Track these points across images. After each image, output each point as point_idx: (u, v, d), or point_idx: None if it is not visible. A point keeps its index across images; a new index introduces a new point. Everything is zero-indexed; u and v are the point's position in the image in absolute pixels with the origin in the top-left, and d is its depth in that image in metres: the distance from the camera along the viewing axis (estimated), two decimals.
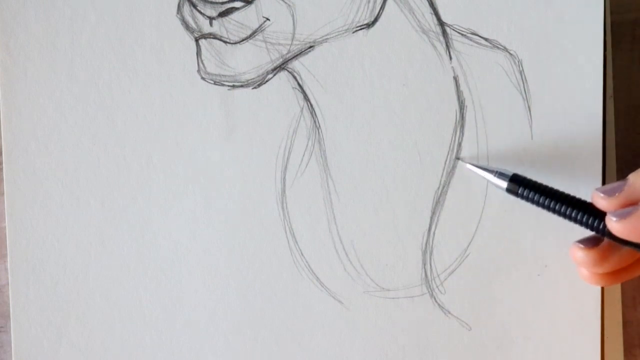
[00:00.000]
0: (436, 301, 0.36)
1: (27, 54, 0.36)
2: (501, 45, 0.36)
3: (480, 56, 0.36)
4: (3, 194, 0.36)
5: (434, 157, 0.36)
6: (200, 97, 0.36)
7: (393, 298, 0.36)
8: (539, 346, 0.36)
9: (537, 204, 0.32)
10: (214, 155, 0.36)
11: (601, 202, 0.29)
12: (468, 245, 0.36)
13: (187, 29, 0.36)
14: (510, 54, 0.36)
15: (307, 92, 0.36)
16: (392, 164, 0.36)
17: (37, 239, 0.36)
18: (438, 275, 0.36)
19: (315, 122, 0.36)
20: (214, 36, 0.36)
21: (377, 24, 0.36)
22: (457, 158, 0.35)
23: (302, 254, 0.36)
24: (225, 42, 0.36)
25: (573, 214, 0.30)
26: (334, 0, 0.36)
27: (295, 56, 0.36)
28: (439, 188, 0.36)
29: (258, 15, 0.36)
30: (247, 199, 0.36)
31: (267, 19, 0.36)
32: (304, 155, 0.36)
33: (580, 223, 0.30)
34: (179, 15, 0.36)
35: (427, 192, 0.36)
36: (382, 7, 0.36)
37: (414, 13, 0.36)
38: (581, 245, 0.31)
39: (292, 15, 0.36)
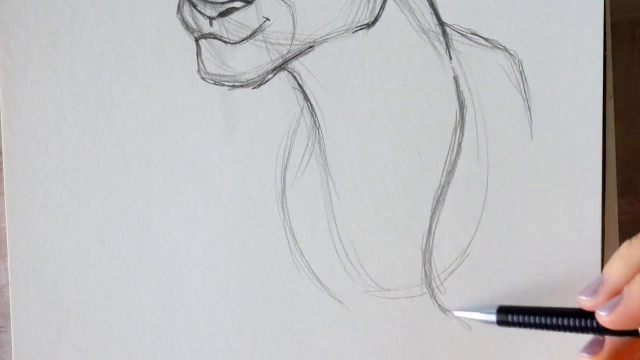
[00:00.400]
0: (436, 301, 0.36)
1: (27, 54, 0.36)
2: (501, 45, 0.36)
3: (480, 56, 0.36)
4: (3, 194, 0.36)
5: (434, 157, 0.36)
6: (200, 97, 0.36)
7: (393, 298, 0.36)
8: (539, 346, 0.36)
9: (530, 326, 0.32)
10: (214, 155, 0.36)
11: (587, 304, 0.30)
12: (468, 245, 0.36)
13: (187, 29, 0.36)
14: (510, 54, 0.36)
15: (307, 92, 0.36)
16: (392, 164, 0.36)
17: (37, 239, 0.36)
18: (438, 275, 0.36)
19: (315, 122, 0.36)
20: (214, 36, 0.36)
21: (377, 24, 0.36)
22: (447, 310, 0.36)
23: (302, 254, 0.36)
24: (225, 42, 0.36)
25: (565, 324, 0.31)
26: (334, 0, 0.36)
27: (295, 56, 0.36)
28: (439, 188, 0.36)
29: (258, 15, 0.36)
30: (247, 199, 0.36)
31: (267, 19, 0.36)
32: (304, 155, 0.36)
33: (576, 330, 0.31)
34: (179, 15, 0.36)
35: (427, 192, 0.36)
36: (382, 7, 0.36)
37: (414, 13, 0.36)
38: (586, 355, 0.32)
39: (292, 15, 0.36)
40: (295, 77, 0.36)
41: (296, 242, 0.36)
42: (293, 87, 0.36)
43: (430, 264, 0.36)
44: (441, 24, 0.36)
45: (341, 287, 0.36)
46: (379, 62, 0.36)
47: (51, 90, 0.36)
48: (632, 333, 0.30)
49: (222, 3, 0.36)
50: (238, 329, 0.36)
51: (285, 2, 0.36)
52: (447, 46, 0.36)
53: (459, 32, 0.36)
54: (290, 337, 0.36)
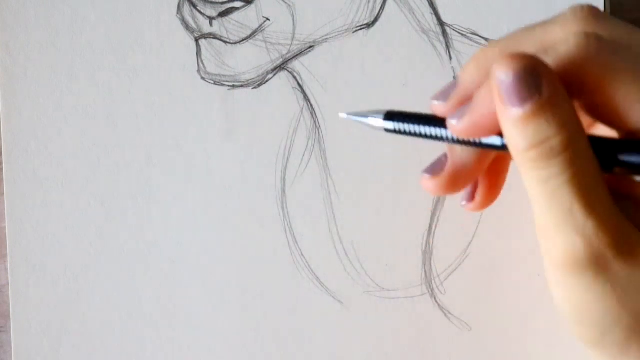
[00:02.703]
0: (436, 301, 0.36)
1: (27, 54, 0.36)
2: None
3: None
4: (3, 194, 0.36)
5: (434, 157, 0.36)
6: (200, 97, 0.36)
7: (393, 298, 0.36)
8: (539, 346, 0.36)
9: (414, 135, 0.30)
10: (214, 155, 0.36)
11: (440, 109, 0.28)
12: (468, 245, 0.36)
13: (187, 29, 0.36)
14: None
15: (307, 92, 0.36)
16: (392, 164, 0.36)
17: (37, 239, 0.36)
18: (438, 275, 0.36)
19: (315, 122, 0.36)
20: (214, 36, 0.36)
21: (377, 24, 0.36)
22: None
23: (302, 254, 0.36)
24: (225, 42, 0.36)
25: (430, 133, 0.29)
26: (334, 0, 0.36)
27: (295, 56, 0.36)
28: None
29: (258, 15, 0.36)
30: (247, 199, 0.36)
31: (267, 19, 0.36)
32: (304, 155, 0.36)
33: (439, 139, 0.29)
34: (179, 15, 0.36)
35: (427, 192, 0.36)
36: (382, 7, 0.36)
37: (414, 13, 0.36)
38: (428, 175, 0.30)
39: (292, 15, 0.36)
40: (295, 77, 0.36)
41: (296, 242, 0.36)
42: (293, 87, 0.36)
43: (430, 264, 0.36)
44: (441, 24, 0.36)
45: (341, 287, 0.36)
46: (379, 62, 0.36)
47: (51, 90, 0.36)
48: (479, 144, 0.28)
49: (222, 3, 0.36)
50: (238, 329, 0.36)
51: (285, 2, 0.36)
52: (447, 46, 0.36)
53: (459, 32, 0.36)
54: (290, 337, 0.36)
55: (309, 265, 0.36)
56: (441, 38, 0.36)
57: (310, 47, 0.36)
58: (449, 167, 0.30)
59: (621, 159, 0.25)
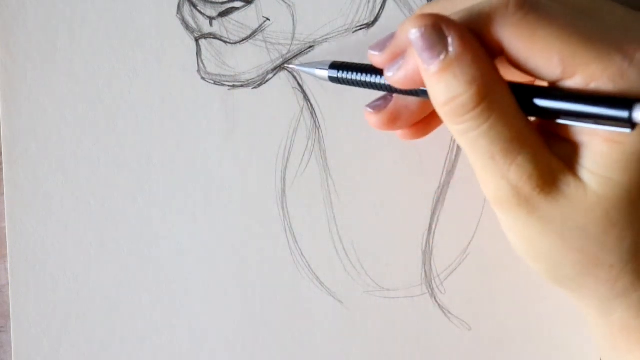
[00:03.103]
0: (436, 301, 0.36)
1: (27, 54, 0.36)
2: None
3: None
4: (3, 194, 0.36)
5: (434, 157, 0.36)
6: (200, 97, 0.36)
7: (393, 298, 0.36)
8: (539, 346, 0.36)
9: (356, 84, 0.32)
10: (214, 155, 0.36)
11: (376, 59, 0.29)
12: (468, 245, 0.36)
13: (187, 29, 0.36)
14: None
15: (307, 92, 0.36)
16: (392, 164, 0.36)
17: (37, 239, 0.36)
18: (438, 275, 0.36)
19: (315, 122, 0.36)
20: (214, 36, 0.36)
21: (377, 24, 0.36)
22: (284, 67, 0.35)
23: (302, 254, 0.36)
24: (225, 42, 0.36)
25: (369, 81, 0.31)
26: (334, 0, 0.36)
27: (295, 56, 0.36)
28: (438, 188, 0.36)
29: (258, 15, 0.36)
30: (247, 199, 0.36)
31: (267, 19, 0.36)
32: (304, 155, 0.36)
33: (378, 88, 0.31)
34: (179, 15, 0.36)
35: (427, 192, 0.36)
36: (382, 7, 0.36)
37: (414, 13, 0.36)
38: (370, 110, 0.32)
39: (292, 15, 0.36)
40: (295, 77, 0.36)
41: (296, 242, 0.36)
42: (293, 87, 0.36)
43: (430, 264, 0.36)
44: None
45: (341, 287, 0.36)
46: None
47: (51, 90, 0.36)
48: (414, 93, 0.29)
49: (222, 3, 0.36)
50: (238, 329, 0.36)
51: (285, 2, 0.36)
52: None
53: None
54: (290, 337, 0.36)
55: (309, 265, 0.36)
56: None
57: (310, 47, 0.36)
58: (391, 105, 0.32)
59: (538, 104, 0.26)
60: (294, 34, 0.36)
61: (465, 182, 0.36)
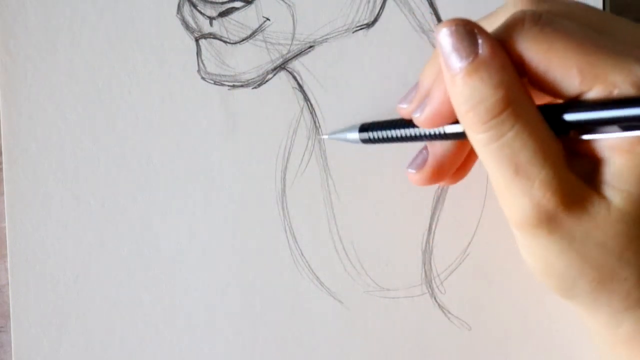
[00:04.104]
0: (436, 301, 0.36)
1: (27, 54, 0.36)
2: None
3: None
4: (3, 194, 0.36)
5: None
6: (200, 97, 0.36)
7: (393, 298, 0.36)
8: (539, 346, 0.36)
9: (388, 141, 0.32)
10: (214, 155, 0.36)
11: (405, 110, 0.30)
12: (468, 245, 0.36)
13: (187, 29, 0.36)
14: None
15: (307, 92, 0.36)
16: (392, 164, 0.36)
17: (37, 239, 0.36)
18: (438, 275, 0.36)
19: (315, 122, 0.36)
20: (214, 36, 0.36)
21: (377, 24, 0.36)
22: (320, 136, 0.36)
23: (302, 254, 0.36)
24: (225, 42, 0.36)
25: (401, 135, 0.31)
26: (334, 0, 0.36)
27: (295, 56, 0.36)
28: (439, 188, 0.36)
29: (258, 15, 0.36)
30: (247, 199, 0.36)
31: (267, 19, 0.36)
32: (304, 155, 0.36)
33: (411, 140, 0.31)
34: (179, 15, 0.36)
35: (427, 192, 0.36)
36: (382, 7, 0.36)
37: (413, 13, 0.36)
38: (412, 170, 0.32)
39: (292, 15, 0.36)
40: (295, 77, 0.36)
41: (296, 242, 0.36)
42: (293, 87, 0.36)
43: (430, 264, 0.36)
44: None
45: (341, 287, 0.36)
46: (379, 62, 0.36)
47: (51, 90, 0.36)
48: (444, 137, 0.30)
49: (222, 3, 0.36)
50: (238, 329, 0.36)
51: (285, 2, 0.36)
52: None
53: None
54: (290, 337, 0.36)
55: (309, 265, 0.36)
56: None
57: (310, 47, 0.36)
58: (430, 160, 0.32)
59: (567, 119, 0.25)
60: (294, 34, 0.36)
61: (465, 182, 0.36)
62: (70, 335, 0.36)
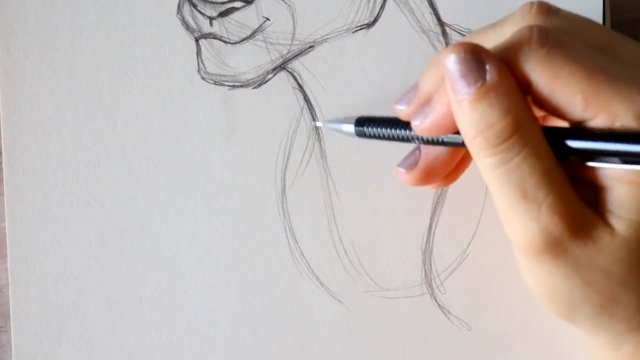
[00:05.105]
0: (436, 301, 0.36)
1: (27, 54, 0.36)
2: None
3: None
4: (3, 194, 0.36)
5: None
6: (200, 97, 0.36)
7: (393, 298, 0.36)
8: (539, 346, 0.36)
9: (383, 138, 0.32)
10: (214, 155, 0.36)
11: (403, 113, 0.30)
12: (468, 245, 0.36)
13: (187, 29, 0.36)
14: None
15: (307, 92, 0.36)
16: (392, 164, 0.36)
17: (37, 239, 0.36)
18: (438, 275, 0.36)
19: (315, 122, 0.36)
20: (214, 36, 0.36)
21: (377, 24, 0.36)
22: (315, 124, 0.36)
23: (302, 254, 0.36)
24: (225, 42, 0.36)
25: (397, 135, 0.31)
26: (334, 0, 0.36)
27: (295, 56, 0.36)
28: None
29: (258, 15, 0.36)
30: (247, 199, 0.36)
31: (267, 19, 0.36)
32: (304, 155, 0.36)
33: (405, 140, 0.31)
34: (179, 15, 0.36)
35: (427, 192, 0.36)
36: (382, 7, 0.36)
37: (413, 13, 0.36)
38: (403, 169, 0.32)
39: (292, 15, 0.36)
40: (295, 77, 0.36)
41: (296, 242, 0.36)
42: (293, 87, 0.36)
43: (430, 264, 0.36)
44: (441, 24, 0.36)
45: (341, 287, 0.36)
46: (379, 62, 0.36)
47: (51, 90, 0.36)
48: (443, 143, 0.29)
49: (222, 3, 0.36)
50: (238, 329, 0.36)
51: (285, 2, 0.36)
52: (447, 46, 0.36)
53: (458, 32, 0.36)
54: (290, 337, 0.36)
55: (309, 265, 0.36)
56: (441, 38, 0.36)
57: (310, 47, 0.36)
58: (422, 162, 0.31)
59: (569, 145, 0.25)
60: (294, 34, 0.36)
61: (465, 182, 0.36)
62: (70, 335, 0.36)
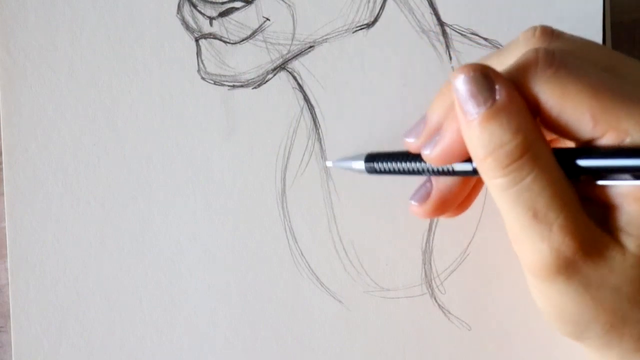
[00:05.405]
0: (436, 301, 0.36)
1: (27, 54, 0.36)
2: (500, 45, 0.36)
3: (479, 56, 0.36)
4: (3, 194, 0.36)
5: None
6: (200, 97, 0.36)
7: (393, 298, 0.36)
8: (539, 346, 0.36)
9: (393, 173, 0.32)
10: (214, 155, 0.36)
11: (413, 145, 0.30)
12: (468, 245, 0.36)
13: (187, 29, 0.36)
14: None
15: (307, 92, 0.36)
16: None
17: (37, 239, 0.36)
18: (438, 275, 0.36)
19: (315, 122, 0.36)
20: (214, 36, 0.36)
21: (377, 24, 0.36)
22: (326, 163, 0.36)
23: (302, 254, 0.36)
24: (225, 42, 0.36)
25: (408, 168, 0.31)
26: (334, 0, 0.36)
27: (295, 56, 0.36)
28: None
29: (258, 15, 0.36)
30: (247, 199, 0.36)
31: (267, 19, 0.36)
32: (304, 155, 0.36)
33: (416, 173, 0.31)
34: (179, 15, 0.36)
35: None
36: (382, 7, 0.36)
37: (413, 13, 0.36)
38: (415, 202, 0.32)
39: (292, 15, 0.36)
40: (295, 77, 0.36)
41: (296, 242, 0.36)
42: (293, 87, 0.36)
43: (430, 264, 0.36)
44: (441, 24, 0.36)
45: (341, 287, 0.36)
46: (379, 62, 0.36)
47: (51, 90, 0.36)
48: (455, 173, 0.30)
49: (222, 3, 0.36)
50: (238, 329, 0.36)
51: (285, 2, 0.36)
52: (447, 46, 0.36)
53: (458, 32, 0.36)
54: (290, 337, 0.36)
55: (309, 265, 0.36)
56: (441, 38, 0.36)
57: (310, 47, 0.36)
58: (434, 194, 0.32)
59: (580, 164, 0.25)
60: (294, 34, 0.36)
61: None
62: (70, 335, 0.36)
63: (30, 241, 0.36)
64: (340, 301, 0.36)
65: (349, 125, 0.36)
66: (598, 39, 0.36)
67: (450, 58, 0.36)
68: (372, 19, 0.36)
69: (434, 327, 0.36)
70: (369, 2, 0.36)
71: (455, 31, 0.36)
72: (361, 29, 0.36)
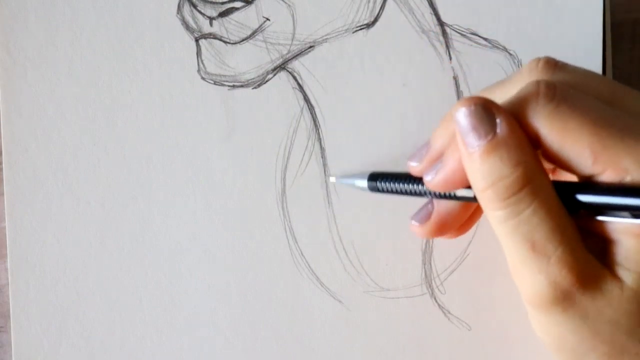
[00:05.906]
0: (436, 301, 0.36)
1: (27, 54, 0.36)
2: (501, 45, 0.36)
3: (479, 56, 0.36)
4: (3, 194, 0.36)
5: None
6: (200, 97, 0.36)
7: (393, 298, 0.36)
8: (539, 346, 0.36)
9: (396, 192, 0.33)
10: (214, 155, 0.36)
11: (416, 169, 0.30)
12: (468, 245, 0.36)
13: (187, 29, 0.36)
14: (510, 54, 0.36)
15: (307, 92, 0.36)
16: (392, 164, 0.36)
17: (37, 239, 0.36)
18: (438, 275, 0.36)
19: (315, 122, 0.36)
20: (214, 36, 0.36)
21: (377, 24, 0.36)
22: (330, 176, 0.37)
23: (302, 254, 0.36)
24: (225, 42, 0.36)
25: (410, 190, 0.32)
26: (334, 0, 0.36)
27: (295, 56, 0.36)
28: None
29: (258, 15, 0.36)
30: (247, 199, 0.36)
31: (267, 19, 0.36)
32: (304, 155, 0.36)
33: (418, 195, 0.32)
34: (179, 15, 0.36)
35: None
36: (382, 7, 0.36)
37: (413, 13, 0.36)
38: (416, 222, 0.32)
39: (292, 15, 0.36)
40: (295, 77, 0.36)
41: (296, 242, 0.36)
42: (293, 87, 0.36)
43: (430, 264, 0.36)
44: (441, 24, 0.36)
45: (341, 287, 0.36)
46: (379, 62, 0.36)
47: (51, 90, 0.36)
48: (455, 197, 0.30)
49: (222, 3, 0.36)
50: (238, 329, 0.36)
51: (285, 2, 0.36)
52: (447, 46, 0.36)
53: (458, 32, 0.36)
54: (290, 337, 0.36)
55: (309, 265, 0.36)
56: (441, 38, 0.36)
57: (310, 47, 0.36)
58: (435, 216, 0.32)
59: (580, 199, 0.26)
60: (294, 34, 0.36)
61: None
62: (70, 335, 0.36)
63: (30, 241, 0.36)
64: (340, 301, 0.36)
65: (348, 125, 0.36)
66: (598, 38, 0.36)
67: (450, 58, 0.36)
68: (372, 19, 0.36)
69: (433, 327, 0.36)
70: (369, 2, 0.36)
71: (455, 31, 0.36)
72: (361, 29, 0.36)
